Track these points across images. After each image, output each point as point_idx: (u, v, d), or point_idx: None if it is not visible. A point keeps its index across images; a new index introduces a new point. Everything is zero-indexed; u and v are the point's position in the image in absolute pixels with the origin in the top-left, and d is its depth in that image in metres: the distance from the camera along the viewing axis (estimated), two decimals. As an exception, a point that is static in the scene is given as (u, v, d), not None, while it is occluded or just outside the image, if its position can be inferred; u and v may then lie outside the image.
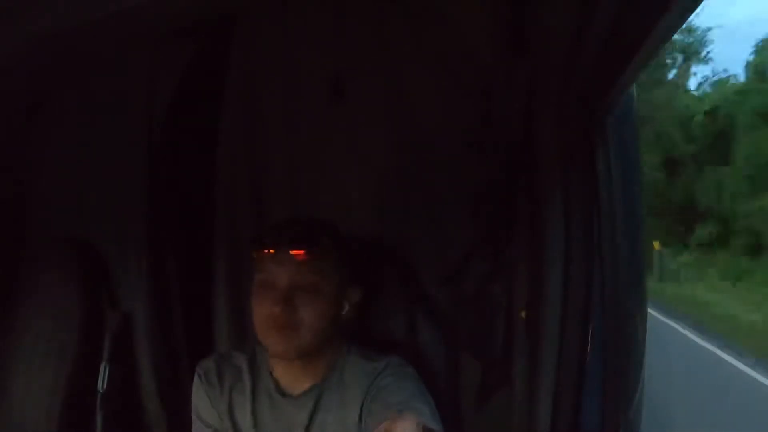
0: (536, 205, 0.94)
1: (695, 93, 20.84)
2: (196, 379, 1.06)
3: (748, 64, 18.15)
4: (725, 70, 20.59)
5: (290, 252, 0.97)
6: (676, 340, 8.39)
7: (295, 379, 1.03)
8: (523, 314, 1.05)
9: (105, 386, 1.25)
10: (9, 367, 1.28)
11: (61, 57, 1.15)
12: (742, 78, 18.95)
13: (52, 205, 1.35)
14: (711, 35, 21.53)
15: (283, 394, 1.03)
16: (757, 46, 17.86)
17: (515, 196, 1.08)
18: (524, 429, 0.90)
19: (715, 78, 20.59)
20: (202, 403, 1.04)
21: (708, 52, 20.80)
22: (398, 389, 0.98)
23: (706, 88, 20.77)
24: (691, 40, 20.16)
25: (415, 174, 1.25)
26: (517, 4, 0.99)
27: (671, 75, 20.72)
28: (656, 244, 13.79)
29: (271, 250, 0.98)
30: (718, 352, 7.87)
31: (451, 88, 1.21)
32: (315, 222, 1.03)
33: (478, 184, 1.16)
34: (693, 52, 20.54)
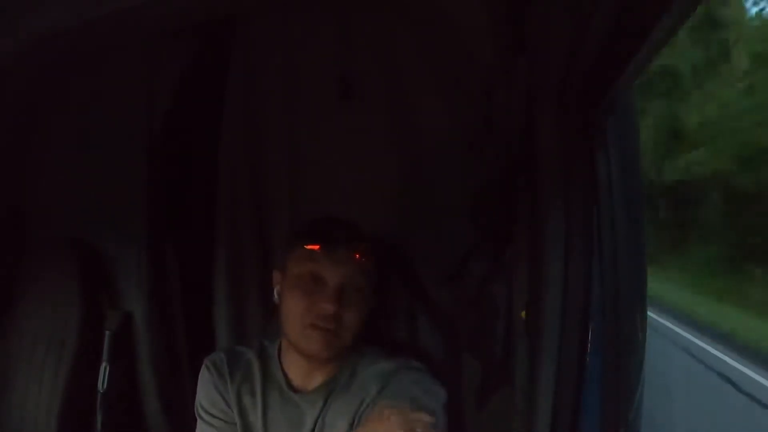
0: (536, 205, 0.94)
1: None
2: (203, 371, 1.04)
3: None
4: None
5: (344, 250, 0.96)
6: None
7: (306, 376, 1.02)
8: (523, 314, 1.04)
9: (105, 386, 1.25)
10: (9, 367, 1.28)
11: (61, 57, 1.15)
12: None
13: (52, 205, 1.35)
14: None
15: (294, 389, 1.02)
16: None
17: (515, 196, 1.08)
18: (524, 429, 0.89)
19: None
20: (209, 395, 1.02)
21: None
22: (411, 390, 0.97)
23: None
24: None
25: (415, 174, 1.25)
26: (516, 4, 0.99)
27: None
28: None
29: (318, 246, 0.97)
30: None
31: (451, 88, 1.21)
32: (354, 224, 1.03)
33: (478, 184, 1.16)
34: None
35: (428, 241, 1.22)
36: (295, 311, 0.97)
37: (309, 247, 0.97)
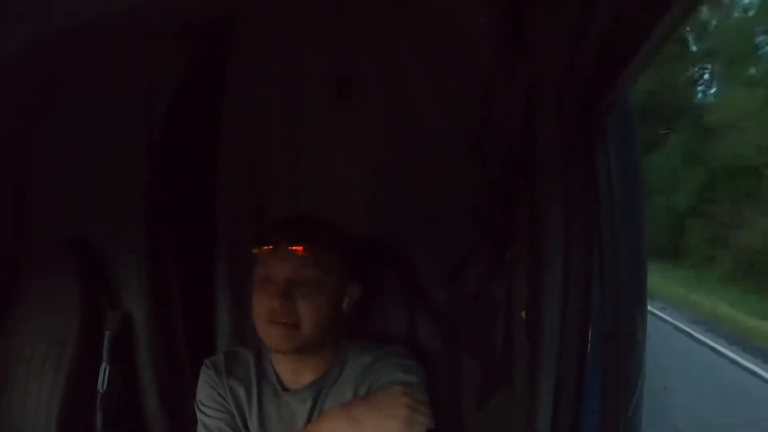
0: (536, 205, 0.94)
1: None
2: (203, 370, 1.07)
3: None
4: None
5: (290, 248, 0.98)
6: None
7: (296, 374, 1.04)
8: (523, 314, 1.04)
9: (105, 386, 1.25)
10: (9, 367, 1.28)
11: (61, 57, 1.15)
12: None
13: (52, 205, 1.35)
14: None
15: (285, 388, 1.04)
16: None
17: (515, 196, 1.08)
18: (524, 429, 0.89)
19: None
20: (208, 392, 1.05)
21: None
22: (393, 375, 0.99)
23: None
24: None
25: (415, 174, 1.25)
26: (517, 4, 0.99)
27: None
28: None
29: (271, 246, 1.00)
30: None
31: (450, 88, 1.21)
32: (315, 219, 1.05)
33: (478, 184, 1.16)
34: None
35: (428, 240, 1.22)
36: (255, 312, 1.01)
37: (262, 249, 1.02)
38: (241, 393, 1.05)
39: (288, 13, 1.31)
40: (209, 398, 1.05)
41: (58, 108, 1.32)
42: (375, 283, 1.17)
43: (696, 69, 14.89)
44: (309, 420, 1.02)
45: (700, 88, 15.19)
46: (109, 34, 1.08)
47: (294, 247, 0.99)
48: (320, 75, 1.29)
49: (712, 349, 6.79)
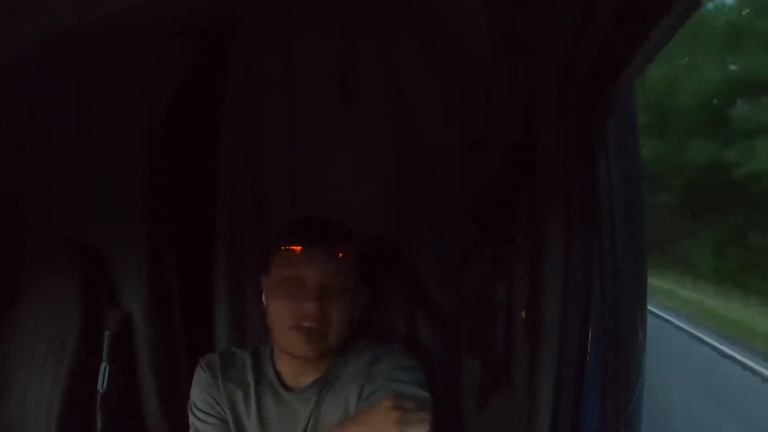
0: (536, 205, 0.94)
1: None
2: (197, 371, 1.05)
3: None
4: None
5: (323, 250, 0.97)
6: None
7: (298, 374, 1.03)
8: (523, 314, 1.04)
9: (105, 386, 1.25)
10: (9, 367, 1.28)
11: (61, 57, 1.15)
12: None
13: (52, 205, 1.35)
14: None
15: (286, 388, 1.03)
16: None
17: (515, 196, 1.08)
18: (524, 429, 0.89)
19: None
20: (202, 395, 1.04)
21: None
22: (394, 383, 0.98)
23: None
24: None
25: (415, 174, 1.25)
26: (516, 5, 0.99)
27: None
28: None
29: (298, 247, 0.98)
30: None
31: (451, 88, 1.21)
32: (337, 222, 1.04)
33: (478, 184, 1.16)
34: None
35: (428, 241, 1.22)
36: (279, 314, 0.98)
37: (289, 248, 0.98)
38: (239, 396, 1.03)
39: (289, 14, 1.31)
40: (203, 402, 1.03)
41: (58, 108, 1.33)
42: (376, 284, 1.17)
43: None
44: (311, 418, 1.01)
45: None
46: (109, 34, 1.08)
47: (329, 251, 0.97)
48: (320, 75, 1.29)
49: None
